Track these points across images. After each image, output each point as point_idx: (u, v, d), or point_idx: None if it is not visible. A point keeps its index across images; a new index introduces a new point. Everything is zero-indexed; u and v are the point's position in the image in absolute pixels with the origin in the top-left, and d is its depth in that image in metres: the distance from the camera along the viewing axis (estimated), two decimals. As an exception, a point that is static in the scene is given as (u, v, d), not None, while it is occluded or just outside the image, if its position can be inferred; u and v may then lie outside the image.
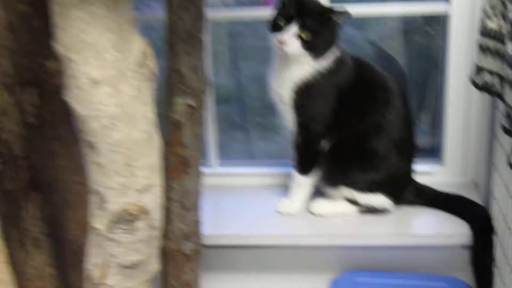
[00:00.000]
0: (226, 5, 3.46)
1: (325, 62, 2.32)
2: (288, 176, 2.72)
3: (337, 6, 2.29)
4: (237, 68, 3.87)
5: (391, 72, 2.64)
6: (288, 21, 2.22)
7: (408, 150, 2.54)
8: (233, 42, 3.63)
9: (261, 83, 2.60)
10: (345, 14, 2.24)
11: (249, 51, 4.06)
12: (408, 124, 2.48)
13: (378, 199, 2.53)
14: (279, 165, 2.96)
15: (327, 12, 2.24)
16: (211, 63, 2.86)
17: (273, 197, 2.79)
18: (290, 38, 2.23)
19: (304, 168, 2.52)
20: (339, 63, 2.36)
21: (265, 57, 2.57)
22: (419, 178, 2.64)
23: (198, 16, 2.07)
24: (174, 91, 2.29)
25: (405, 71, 3.31)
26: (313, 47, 2.25)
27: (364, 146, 2.43)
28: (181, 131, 2.33)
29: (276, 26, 2.27)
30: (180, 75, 2.29)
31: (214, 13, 2.67)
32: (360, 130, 2.43)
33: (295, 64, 2.32)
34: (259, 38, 3.43)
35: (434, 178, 2.82)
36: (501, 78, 1.89)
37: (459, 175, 2.84)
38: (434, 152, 2.95)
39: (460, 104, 2.67)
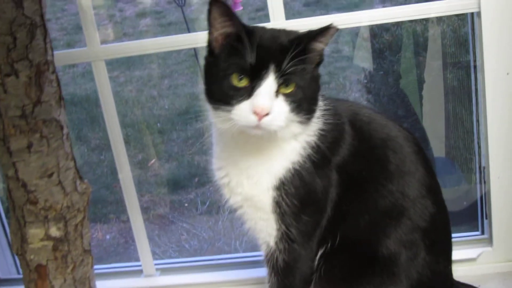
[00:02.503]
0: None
1: (315, 126, 1.59)
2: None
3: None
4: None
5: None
6: (254, 74, 1.41)
7: (443, 240, 1.78)
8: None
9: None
10: (332, 30, 1.47)
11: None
12: (437, 198, 1.73)
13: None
14: (248, 265, 2.29)
15: (305, 38, 1.47)
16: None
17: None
18: (273, 101, 1.42)
19: None
20: (331, 122, 1.63)
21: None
22: (457, 271, 1.84)
23: (42, 79, 1.41)
24: (21, 216, 1.50)
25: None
26: (302, 104, 1.48)
27: (377, 247, 1.67)
28: (46, 281, 1.52)
29: (230, 92, 1.44)
30: (25, 188, 1.46)
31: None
32: (368, 223, 1.67)
33: (274, 145, 1.55)
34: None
35: (480, 267, 2.11)
36: None
37: None
38: (474, 224, 2.23)
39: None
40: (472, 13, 1.99)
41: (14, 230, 1.52)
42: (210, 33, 1.49)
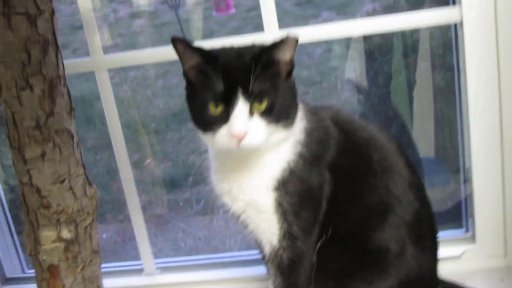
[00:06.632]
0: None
1: (300, 125, 1.63)
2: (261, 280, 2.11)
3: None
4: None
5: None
6: (224, 98, 1.44)
7: (428, 233, 1.81)
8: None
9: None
10: (289, 41, 1.47)
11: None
12: (421, 194, 1.77)
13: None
14: (247, 263, 2.33)
15: (264, 53, 1.48)
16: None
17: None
18: (249, 123, 1.44)
19: None
20: (314, 121, 1.67)
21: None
22: (442, 269, 1.87)
23: (54, 92, 1.49)
24: (35, 219, 1.56)
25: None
26: (279, 114, 1.50)
27: (366, 241, 1.72)
28: (58, 280, 1.61)
29: (211, 120, 1.47)
30: (39, 194, 1.53)
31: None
32: (357, 219, 1.72)
33: (265, 151, 1.57)
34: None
35: (463, 264, 2.14)
36: None
37: (499, 255, 2.13)
38: (459, 223, 2.25)
39: (493, 148, 2.04)
40: (455, 24, 2.04)
41: (28, 232, 1.59)
42: (182, 65, 1.52)
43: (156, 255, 2.41)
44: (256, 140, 1.47)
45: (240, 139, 1.43)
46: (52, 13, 1.49)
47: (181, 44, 1.48)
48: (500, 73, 1.96)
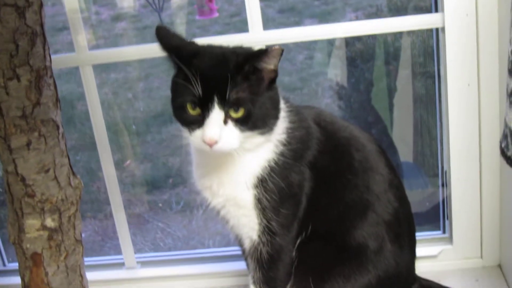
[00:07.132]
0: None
1: (282, 124, 1.63)
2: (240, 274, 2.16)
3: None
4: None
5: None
6: (201, 103, 1.44)
7: (406, 232, 1.83)
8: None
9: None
10: (275, 52, 1.45)
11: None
12: (400, 193, 1.81)
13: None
14: (224, 258, 2.36)
15: (248, 61, 1.46)
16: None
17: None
18: (222, 131, 1.44)
19: None
20: (296, 120, 1.67)
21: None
22: (419, 267, 1.91)
23: (41, 83, 1.51)
24: (19, 208, 1.58)
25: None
26: (256, 122, 1.49)
27: (346, 238, 1.75)
28: (41, 268, 1.62)
29: (188, 119, 1.48)
30: (24, 182, 1.55)
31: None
32: (337, 215, 1.75)
33: (245, 152, 1.56)
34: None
35: (440, 264, 2.18)
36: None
37: (475, 256, 2.18)
38: (436, 224, 2.29)
39: (471, 154, 2.08)
40: (437, 28, 2.06)
41: (12, 221, 1.60)
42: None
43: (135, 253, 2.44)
44: (228, 146, 1.48)
45: (211, 145, 1.45)
46: (41, 5, 1.51)
47: (158, 33, 1.53)
48: (479, 80, 1.99)
